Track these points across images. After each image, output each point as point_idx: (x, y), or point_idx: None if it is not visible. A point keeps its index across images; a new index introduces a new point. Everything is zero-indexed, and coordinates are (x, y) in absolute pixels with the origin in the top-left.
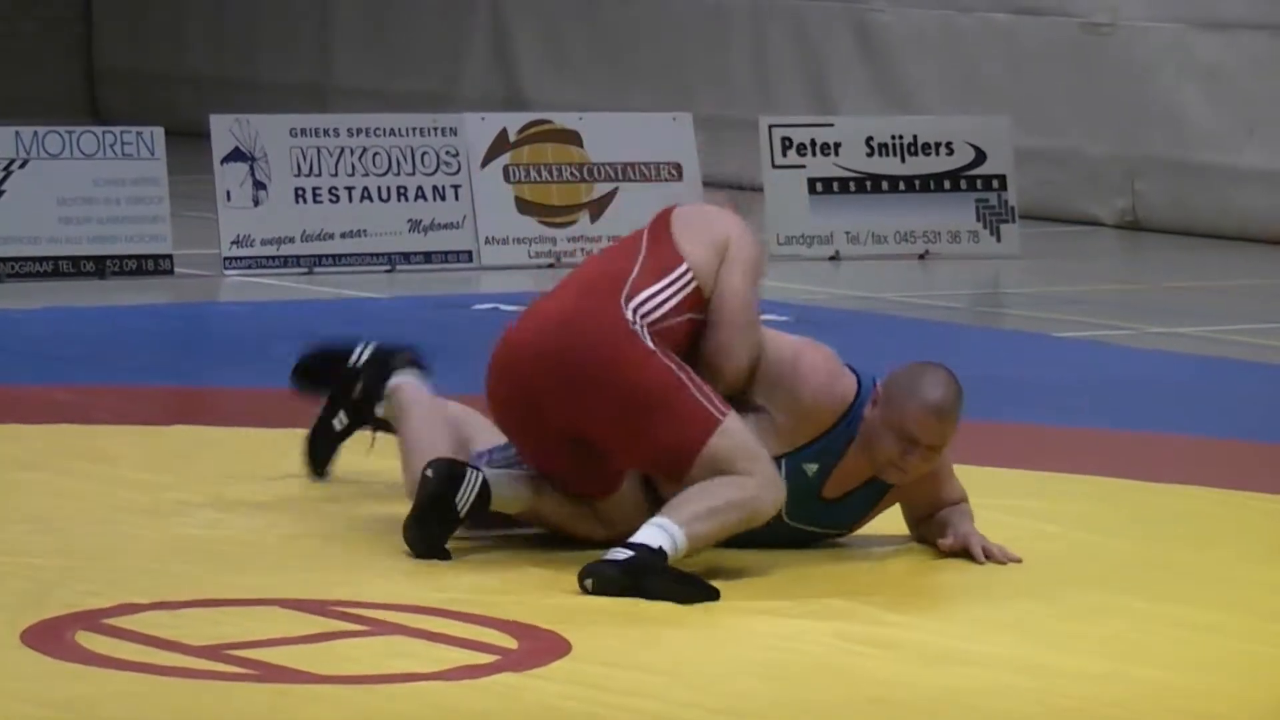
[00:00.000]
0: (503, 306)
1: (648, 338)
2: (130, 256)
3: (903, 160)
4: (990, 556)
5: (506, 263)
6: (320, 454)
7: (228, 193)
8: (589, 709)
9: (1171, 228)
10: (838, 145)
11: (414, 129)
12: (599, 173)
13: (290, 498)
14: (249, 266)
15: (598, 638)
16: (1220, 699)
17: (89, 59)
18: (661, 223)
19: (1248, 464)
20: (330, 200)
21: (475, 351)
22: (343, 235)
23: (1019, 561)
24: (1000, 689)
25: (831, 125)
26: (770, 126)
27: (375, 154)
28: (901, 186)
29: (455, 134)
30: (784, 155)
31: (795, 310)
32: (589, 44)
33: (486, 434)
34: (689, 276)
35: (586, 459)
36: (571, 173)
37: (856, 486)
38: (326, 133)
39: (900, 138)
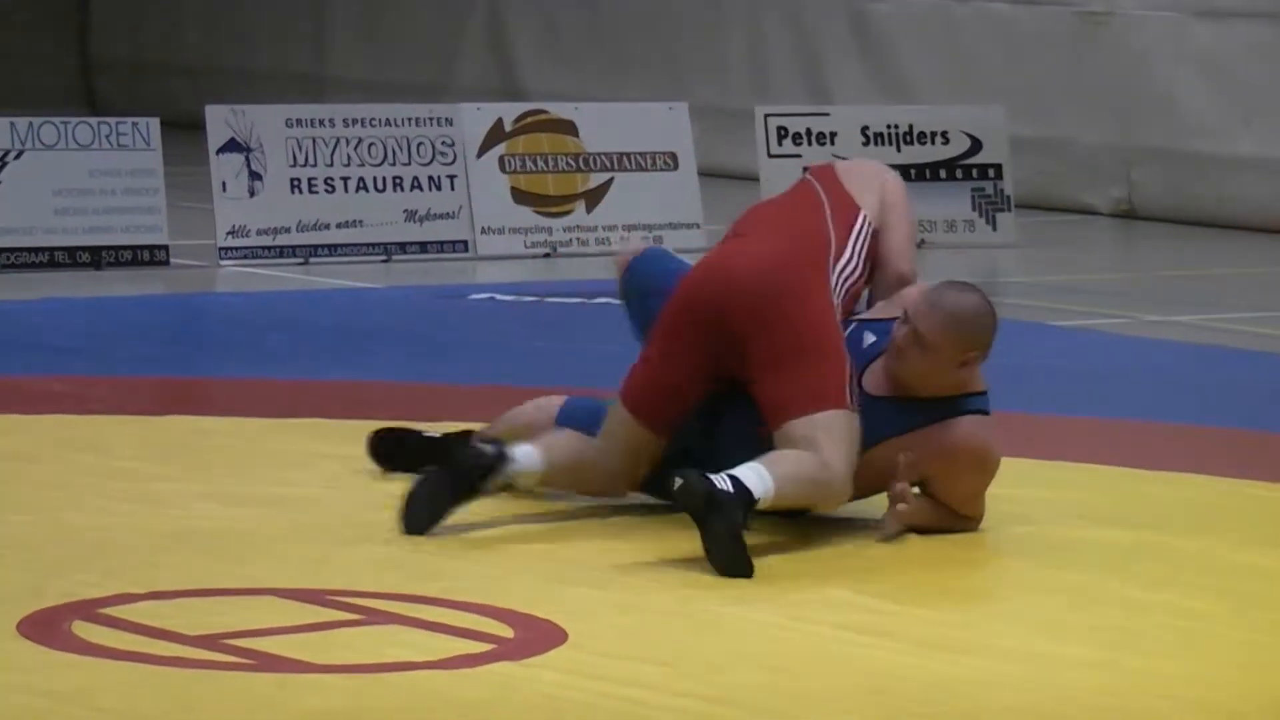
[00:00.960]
0: (499, 296)
1: (840, 305)
2: (126, 247)
3: (899, 150)
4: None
5: (502, 252)
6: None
7: (223, 183)
8: (586, 698)
9: (1167, 216)
10: (834, 134)
11: (410, 119)
12: (595, 163)
13: (286, 488)
14: (245, 257)
15: (595, 627)
16: (1214, 687)
17: (85, 50)
18: (830, 175)
19: (1243, 452)
20: (326, 190)
21: (471, 341)
22: (338, 225)
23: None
24: (997, 678)
25: (827, 115)
26: (766, 116)
27: (371, 144)
28: None
29: (451, 124)
30: (780, 144)
31: None
32: (585, 34)
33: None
34: (868, 225)
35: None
36: (567, 163)
37: (886, 395)
38: (322, 123)
39: (896, 127)
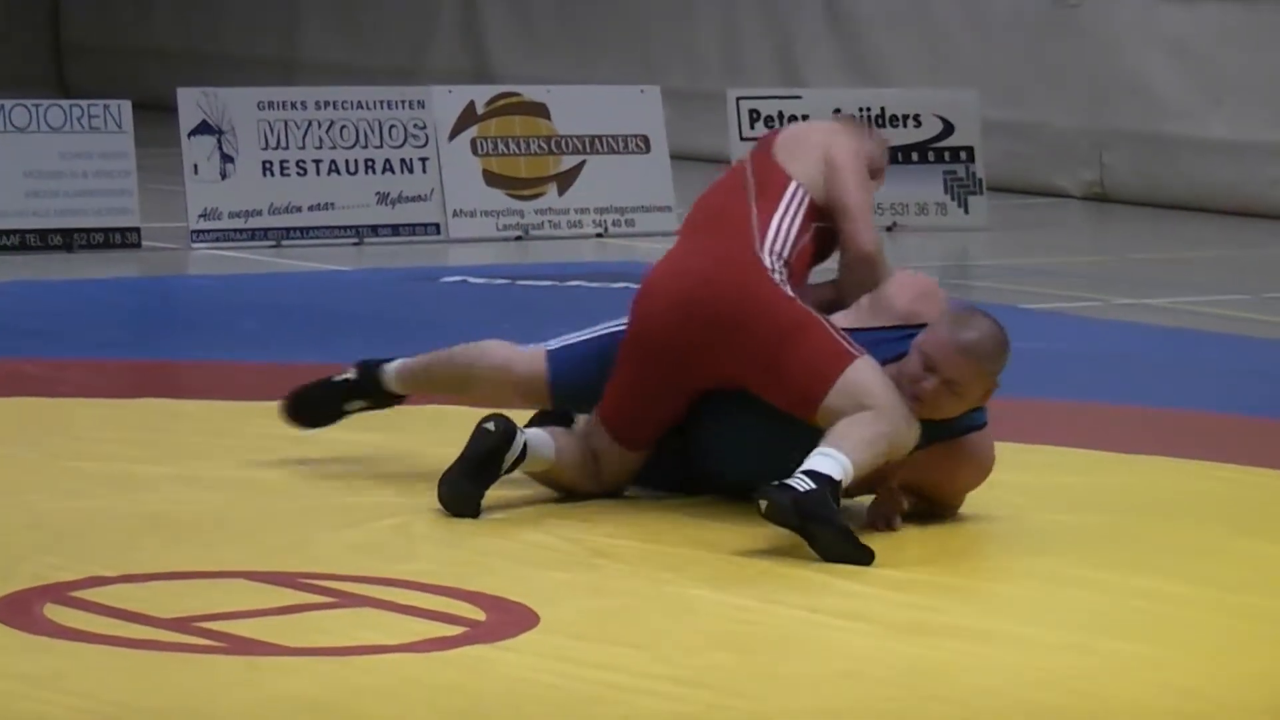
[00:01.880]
0: (471, 279)
1: (785, 281)
2: (98, 230)
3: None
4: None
5: (474, 235)
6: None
7: (195, 166)
8: (558, 681)
9: (1139, 199)
10: (805, 117)
11: (382, 102)
12: (567, 145)
13: (258, 471)
14: (217, 239)
15: (567, 610)
16: (1191, 672)
17: (56, 32)
18: (764, 150)
19: (1216, 435)
20: (298, 173)
21: (443, 323)
22: (310, 208)
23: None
24: (971, 661)
25: (799, 98)
26: (738, 99)
27: (343, 127)
28: None
29: (423, 107)
30: (751, 127)
31: None
32: (557, 17)
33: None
34: (801, 192)
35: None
36: (539, 145)
37: None
38: (294, 106)
39: (868, 110)
